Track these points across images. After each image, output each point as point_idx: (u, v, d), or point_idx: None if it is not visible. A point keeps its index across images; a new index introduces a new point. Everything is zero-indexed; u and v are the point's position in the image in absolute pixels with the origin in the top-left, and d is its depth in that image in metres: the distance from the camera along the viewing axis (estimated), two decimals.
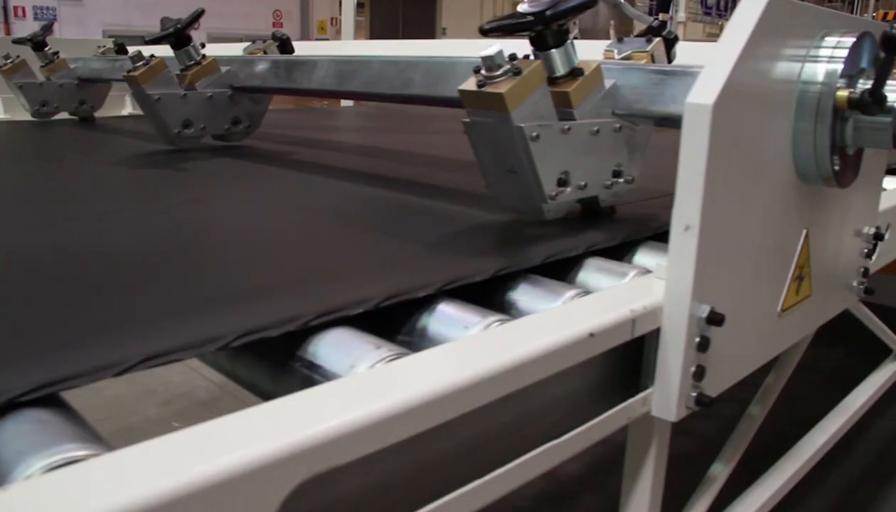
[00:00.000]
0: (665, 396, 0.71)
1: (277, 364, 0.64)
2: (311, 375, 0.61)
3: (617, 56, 1.07)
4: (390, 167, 1.57)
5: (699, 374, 0.71)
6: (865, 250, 1.08)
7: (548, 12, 0.87)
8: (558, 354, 0.60)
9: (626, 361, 0.74)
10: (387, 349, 0.59)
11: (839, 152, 0.82)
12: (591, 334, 0.62)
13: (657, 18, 5.32)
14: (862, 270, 1.09)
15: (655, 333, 0.71)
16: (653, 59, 1.05)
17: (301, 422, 0.45)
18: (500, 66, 0.84)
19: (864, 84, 0.79)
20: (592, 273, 0.83)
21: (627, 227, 0.95)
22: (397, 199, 1.19)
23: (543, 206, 0.90)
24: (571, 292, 0.74)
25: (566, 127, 0.88)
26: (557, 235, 0.89)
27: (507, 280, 0.78)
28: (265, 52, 1.87)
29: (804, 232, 0.87)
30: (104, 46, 2.50)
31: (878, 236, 1.07)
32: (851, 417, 1.46)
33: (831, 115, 0.79)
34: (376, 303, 0.66)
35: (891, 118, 0.79)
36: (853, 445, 3.52)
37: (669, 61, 1.09)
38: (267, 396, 0.58)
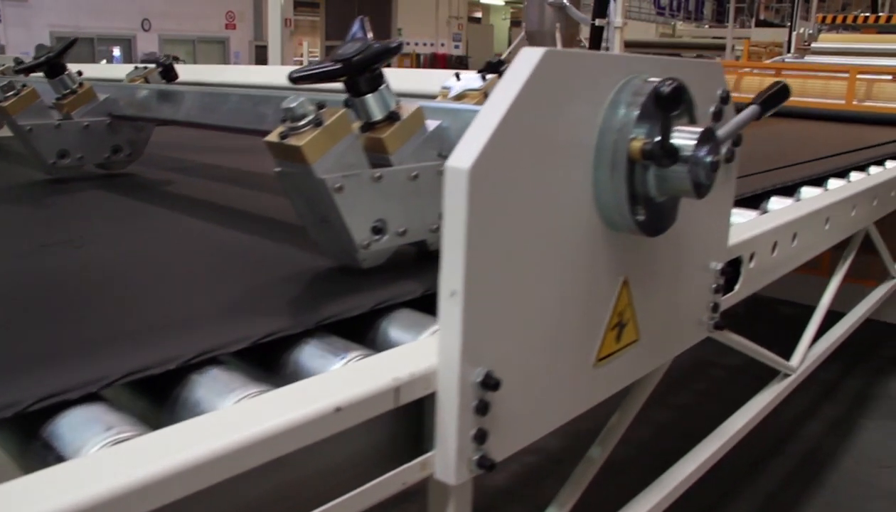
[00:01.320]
0: (445, 460, 0.70)
1: (21, 441, 0.62)
2: (47, 456, 0.59)
3: (451, 95, 1.05)
4: (252, 200, 1.53)
5: (480, 437, 0.70)
6: (714, 286, 1.08)
7: (355, 59, 0.86)
8: (299, 431, 0.58)
9: (417, 423, 0.73)
10: (117, 430, 0.57)
11: (645, 201, 0.81)
12: (338, 409, 0.60)
13: (594, 23, 5.36)
14: (712, 304, 1.09)
15: (432, 397, 0.69)
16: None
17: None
18: (303, 117, 0.83)
19: (676, 129, 0.79)
20: (396, 328, 0.82)
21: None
22: (235, 240, 1.16)
23: (358, 255, 0.88)
24: (352, 354, 0.72)
25: (377, 174, 0.87)
26: (358, 289, 0.87)
27: (293, 339, 0.76)
28: (147, 79, 1.83)
29: (621, 279, 0.86)
30: (3, 65, 2.44)
31: (725, 272, 1.07)
32: (728, 442, 1.47)
33: (626, 165, 0.78)
34: (112, 381, 0.64)
35: (687, 167, 0.78)
36: (777, 451, 3.57)
37: None
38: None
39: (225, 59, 18.78)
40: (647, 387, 1.16)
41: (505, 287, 0.71)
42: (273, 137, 0.84)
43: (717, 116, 0.95)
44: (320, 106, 0.84)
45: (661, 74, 0.81)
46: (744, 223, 1.29)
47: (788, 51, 7.80)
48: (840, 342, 1.91)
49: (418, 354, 0.71)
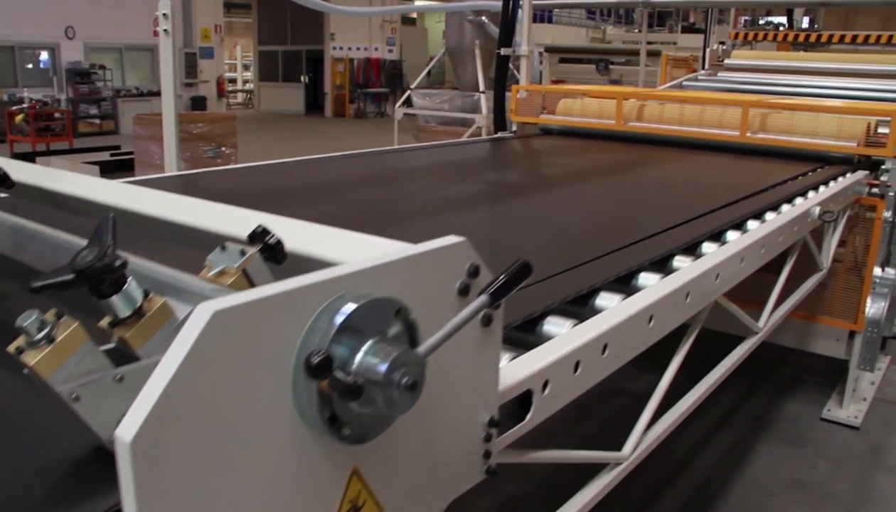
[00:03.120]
0: None
1: None
2: None
3: (212, 272, 1.06)
4: None
5: None
6: (485, 434, 1.12)
7: (90, 270, 0.88)
8: None
9: None
10: None
11: (349, 418, 0.84)
12: None
13: (499, 52, 5.39)
14: (484, 451, 1.13)
15: None
16: (248, 279, 1.02)
17: None
18: (37, 331, 0.85)
19: (368, 354, 0.82)
20: None
21: None
22: None
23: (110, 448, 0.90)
24: None
25: (119, 376, 0.89)
26: None
27: None
28: None
29: (349, 471, 0.89)
30: None
31: (494, 423, 1.11)
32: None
33: (318, 396, 0.81)
34: None
35: (380, 392, 0.82)
36: (672, 481, 3.68)
37: (279, 262, 1.07)
38: None
39: (154, 67, 18.46)
40: None
41: None
42: (11, 348, 0.86)
43: (464, 291, 0.98)
44: (59, 314, 0.86)
45: (375, 285, 0.85)
46: (539, 350, 1.33)
47: (703, 67, 7.96)
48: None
49: None
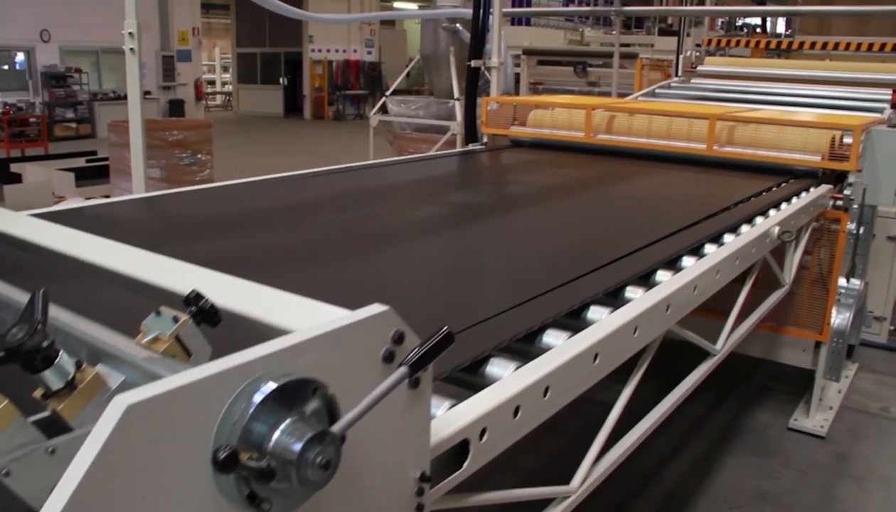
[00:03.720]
0: None
1: None
2: None
3: (146, 338, 1.07)
4: None
5: None
6: (416, 489, 1.14)
7: (21, 350, 0.90)
8: None
9: None
10: None
11: (269, 494, 0.86)
12: None
13: (469, 64, 5.41)
14: (416, 505, 1.15)
15: None
16: (181, 345, 1.03)
17: None
18: None
19: (284, 433, 0.84)
20: None
21: None
22: None
23: None
24: None
25: (50, 449, 0.91)
26: None
27: None
28: None
29: None
30: None
31: (425, 478, 1.14)
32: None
33: (234, 479, 0.83)
34: None
35: (296, 471, 0.84)
36: (640, 492, 3.71)
37: (213, 325, 1.09)
38: None
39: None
40: None
41: None
42: None
43: (389, 358, 1.01)
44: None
45: (294, 363, 0.87)
46: (477, 398, 1.35)
47: (677, 73, 8.02)
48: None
49: None
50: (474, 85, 5.25)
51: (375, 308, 0.99)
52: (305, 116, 24.55)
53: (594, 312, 1.88)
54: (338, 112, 24.41)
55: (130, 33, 3.61)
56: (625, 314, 1.83)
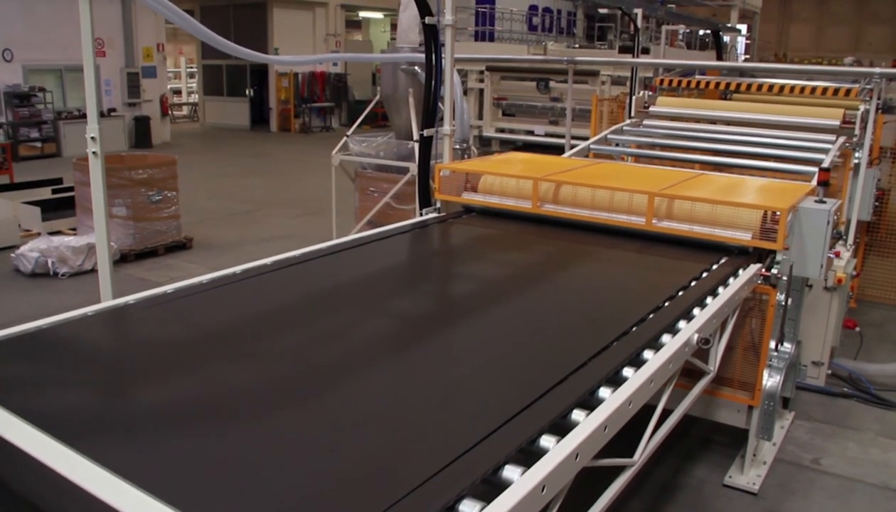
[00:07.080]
0: None
1: None
2: None
3: None
4: None
5: None
6: None
7: None
8: None
9: None
10: None
11: None
12: None
13: (422, 134, 5.60)
14: None
15: None
16: None
17: None
18: None
19: None
20: None
21: None
22: None
23: None
24: None
25: None
26: None
27: None
28: None
29: None
30: None
31: None
32: None
33: None
34: None
35: None
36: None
37: None
38: None
39: (96, 88, 18.31)
40: None
41: None
42: None
43: None
44: None
45: None
46: None
47: (629, 115, 8.27)
48: None
49: None
50: (427, 154, 5.45)
51: None
52: (272, 129, 24.52)
53: (508, 472, 1.99)
54: (304, 124, 24.40)
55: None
56: (536, 474, 1.95)
